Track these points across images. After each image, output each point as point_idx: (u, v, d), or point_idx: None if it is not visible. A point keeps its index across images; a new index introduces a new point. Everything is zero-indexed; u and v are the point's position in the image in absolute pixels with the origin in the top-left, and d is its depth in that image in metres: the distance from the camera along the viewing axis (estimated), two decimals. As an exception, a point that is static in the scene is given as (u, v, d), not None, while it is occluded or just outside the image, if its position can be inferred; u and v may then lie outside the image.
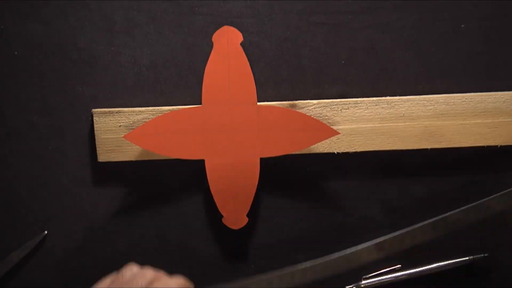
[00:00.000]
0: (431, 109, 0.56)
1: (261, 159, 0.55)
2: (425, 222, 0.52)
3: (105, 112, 0.56)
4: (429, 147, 0.56)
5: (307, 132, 0.55)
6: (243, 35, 0.55)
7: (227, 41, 0.55)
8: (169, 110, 0.55)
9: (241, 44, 0.55)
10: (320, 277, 0.52)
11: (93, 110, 0.56)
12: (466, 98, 0.56)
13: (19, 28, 0.56)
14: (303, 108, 0.56)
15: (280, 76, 0.57)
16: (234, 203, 0.56)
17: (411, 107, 0.56)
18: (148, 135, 0.55)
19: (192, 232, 0.59)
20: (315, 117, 0.56)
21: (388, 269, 0.59)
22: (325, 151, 0.56)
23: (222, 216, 0.56)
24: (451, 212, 0.53)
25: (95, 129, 0.56)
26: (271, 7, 0.56)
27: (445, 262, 0.58)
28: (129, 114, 0.56)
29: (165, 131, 0.55)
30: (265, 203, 0.59)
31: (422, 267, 0.58)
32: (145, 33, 0.56)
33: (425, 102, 0.56)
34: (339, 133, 0.56)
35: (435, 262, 0.58)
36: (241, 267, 0.60)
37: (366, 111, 0.56)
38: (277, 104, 0.56)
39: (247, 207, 0.56)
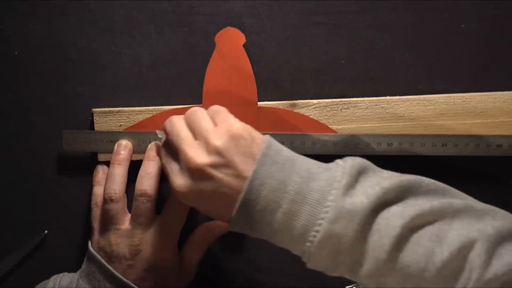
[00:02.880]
0: (431, 109, 0.56)
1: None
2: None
3: (105, 112, 0.56)
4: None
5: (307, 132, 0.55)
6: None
7: (230, 42, 0.55)
8: (169, 110, 0.55)
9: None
10: None
11: (93, 110, 0.56)
12: (466, 98, 0.56)
13: (19, 28, 0.56)
14: (303, 108, 0.56)
15: (280, 76, 0.57)
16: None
17: (411, 107, 0.56)
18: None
19: (190, 231, 0.59)
20: (315, 117, 0.56)
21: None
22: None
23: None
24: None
25: (95, 129, 0.56)
26: (271, 7, 0.56)
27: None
28: (129, 114, 0.56)
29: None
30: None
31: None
32: (145, 33, 0.56)
33: (425, 102, 0.56)
34: (338, 133, 0.56)
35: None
36: (240, 266, 0.60)
37: (366, 111, 0.56)
38: (277, 104, 0.56)
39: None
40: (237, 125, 0.45)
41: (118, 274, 0.51)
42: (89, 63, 0.57)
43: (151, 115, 0.55)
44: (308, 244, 0.43)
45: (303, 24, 0.57)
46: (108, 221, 0.52)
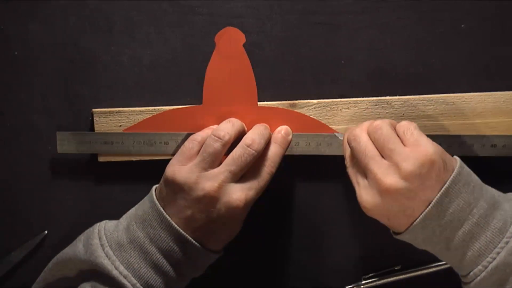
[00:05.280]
0: (431, 109, 0.56)
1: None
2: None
3: (105, 112, 0.56)
4: (429, 147, 0.56)
5: (307, 132, 0.55)
6: (243, 35, 0.55)
7: (230, 41, 0.55)
8: (169, 110, 0.55)
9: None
10: None
11: (93, 110, 0.56)
12: (466, 98, 0.56)
13: (19, 28, 0.56)
14: (303, 108, 0.56)
15: (280, 76, 0.57)
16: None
17: (411, 107, 0.56)
18: (147, 131, 0.55)
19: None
20: (315, 117, 0.56)
21: (388, 269, 0.59)
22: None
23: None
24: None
25: (95, 129, 0.56)
26: (271, 7, 0.56)
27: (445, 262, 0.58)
28: (129, 114, 0.56)
29: (164, 128, 0.55)
30: (263, 203, 0.59)
31: (422, 267, 0.58)
32: (145, 33, 0.56)
33: (425, 102, 0.56)
34: (339, 133, 0.56)
35: (435, 262, 0.59)
36: (240, 266, 0.60)
37: (366, 111, 0.56)
38: (277, 104, 0.56)
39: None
40: (430, 150, 0.45)
41: (175, 225, 0.49)
42: (89, 63, 0.57)
43: (151, 115, 0.55)
44: (480, 267, 0.45)
45: (303, 24, 0.57)
46: (201, 158, 0.50)
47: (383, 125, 0.48)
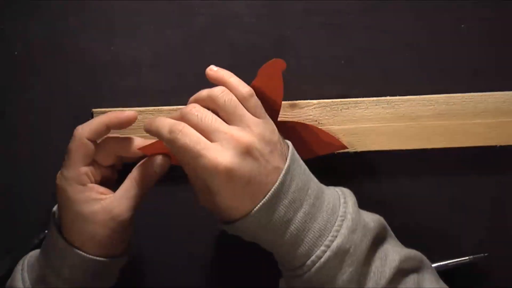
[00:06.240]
0: (431, 109, 0.56)
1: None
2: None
3: (105, 112, 0.56)
4: (429, 147, 0.56)
5: (316, 145, 0.55)
6: (243, 35, 0.55)
7: (273, 71, 0.50)
8: (169, 110, 0.55)
9: (241, 44, 0.55)
10: None
11: (93, 110, 0.56)
12: (466, 98, 0.56)
13: (19, 28, 0.56)
14: (303, 108, 0.56)
15: (280, 76, 0.57)
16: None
17: (411, 107, 0.56)
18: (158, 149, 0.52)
19: (192, 232, 0.59)
20: (315, 117, 0.56)
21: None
22: (325, 151, 0.56)
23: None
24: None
25: (95, 129, 0.56)
26: (271, 7, 0.56)
27: (445, 262, 0.58)
28: (129, 114, 0.56)
29: None
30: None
31: (422, 267, 0.58)
32: (145, 33, 0.56)
33: (425, 102, 0.56)
34: (347, 148, 0.55)
35: (435, 262, 0.59)
36: (241, 267, 0.60)
37: (366, 111, 0.56)
38: (277, 104, 0.56)
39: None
40: (273, 125, 0.47)
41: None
42: (89, 63, 0.57)
43: (150, 115, 0.55)
44: (323, 248, 0.44)
45: (303, 24, 0.57)
46: None
47: (224, 95, 0.46)
